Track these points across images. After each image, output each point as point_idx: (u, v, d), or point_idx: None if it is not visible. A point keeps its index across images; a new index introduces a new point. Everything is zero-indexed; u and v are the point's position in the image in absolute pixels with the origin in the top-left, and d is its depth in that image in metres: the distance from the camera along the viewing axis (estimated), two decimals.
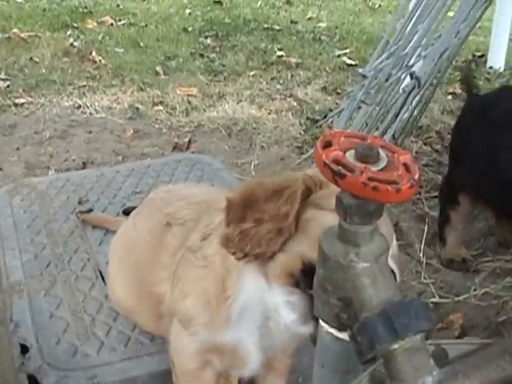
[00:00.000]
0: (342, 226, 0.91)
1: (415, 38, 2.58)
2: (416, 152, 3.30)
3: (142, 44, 4.95)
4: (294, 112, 3.80)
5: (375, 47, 5.22)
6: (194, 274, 1.38)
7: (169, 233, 1.53)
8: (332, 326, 0.98)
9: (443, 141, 3.45)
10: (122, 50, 4.80)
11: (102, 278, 1.90)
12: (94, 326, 1.73)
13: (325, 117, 3.64)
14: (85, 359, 1.62)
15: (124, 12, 5.75)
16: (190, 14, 5.89)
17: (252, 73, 4.47)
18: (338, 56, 5.05)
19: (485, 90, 4.51)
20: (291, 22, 5.93)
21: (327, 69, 4.71)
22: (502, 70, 5.05)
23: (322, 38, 5.53)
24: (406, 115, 2.86)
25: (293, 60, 4.80)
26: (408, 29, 2.60)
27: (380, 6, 7.05)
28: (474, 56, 5.08)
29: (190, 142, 3.31)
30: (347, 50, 5.18)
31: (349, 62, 4.92)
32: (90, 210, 2.27)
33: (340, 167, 0.84)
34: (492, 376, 0.85)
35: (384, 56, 2.57)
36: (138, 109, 3.71)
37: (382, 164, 0.87)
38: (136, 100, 3.86)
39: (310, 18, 6.12)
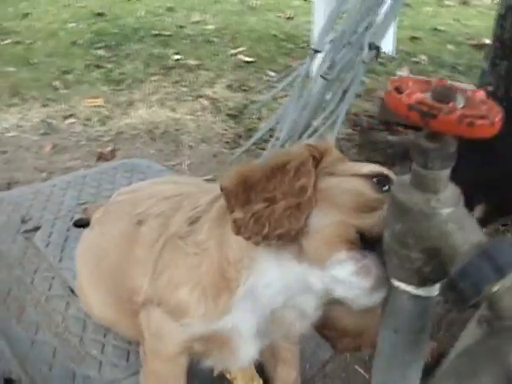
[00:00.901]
0: (420, 173, 0.88)
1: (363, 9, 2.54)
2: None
3: (33, 61, 4.79)
4: (210, 111, 3.75)
5: (267, 43, 5.33)
6: (185, 261, 1.26)
7: (142, 228, 1.41)
8: (410, 284, 0.94)
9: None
10: (14, 68, 4.62)
11: (75, 295, 1.77)
12: (84, 345, 1.59)
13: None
14: (87, 381, 1.48)
15: (6, 31, 5.57)
16: (74, 27, 5.75)
17: (154, 78, 4.39)
18: (234, 55, 5.07)
19: (381, 73, 4.66)
20: (179, 26, 5.87)
21: (227, 68, 4.71)
22: (394, 55, 5.20)
23: (213, 39, 5.53)
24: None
25: (191, 62, 4.75)
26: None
27: (260, 5, 7.11)
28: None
29: (113, 150, 3.17)
30: (241, 49, 5.20)
31: (246, 59, 4.95)
32: (37, 228, 2.10)
33: (428, 108, 0.81)
34: None
35: (335, 32, 2.51)
36: (50, 123, 3.55)
37: (462, 102, 0.84)
38: (45, 115, 3.70)
39: (195, 22, 6.08)
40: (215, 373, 1.46)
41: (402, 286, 0.95)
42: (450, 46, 5.68)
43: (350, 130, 3.43)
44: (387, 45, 5.02)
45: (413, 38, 5.79)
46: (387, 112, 3.57)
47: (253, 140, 3.06)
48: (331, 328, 1.26)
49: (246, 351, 1.30)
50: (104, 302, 1.54)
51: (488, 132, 0.81)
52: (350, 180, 1.10)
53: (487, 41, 5.63)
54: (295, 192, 1.08)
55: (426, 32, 6.15)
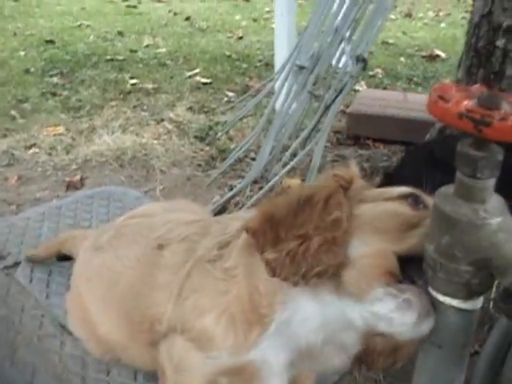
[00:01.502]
0: (467, 183, 0.87)
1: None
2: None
3: None
4: (175, 134, 3.72)
5: (222, 64, 5.32)
6: (212, 286, 1.22)
7: (165, 252, 1.37)
8: (456, 298, 0.92)
9: None
10: None
11: (68, 332, 1.66)
12: None
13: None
14: None
15: None
16: (25, 55, 5.67)
17: (113, 103, 4.34)
18: (190, 77, 5.05)
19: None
20: (131, 51, 5.83)
21: (185, 90, 4.69)
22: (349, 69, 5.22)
23: (167, 62, 5.53)
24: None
25: (148, 86, 4.71)
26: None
27: (208, 26, 7.13)
28: None
29: (82, 178, 3.09)
30: (197, 70, 5.20)
31: (203, 80, 4.95)
32: (17, 264, 2.01)
33: (480, 116, 0.80)
34: None
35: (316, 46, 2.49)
36: (13, 154, 3.45)
37: (509, 108, 0.82)
38: (6, 146, 3.59)
39: (147, 46, 6.06)
40: None
41: (448, 300, 0.93)
42: (402, 59, 5.76)
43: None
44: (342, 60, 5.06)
45: None
46: (355, 127, 3.58)
47: (228, 162, 3.02)
48: (367, 352, 1.22)
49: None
50: (116, 327, 1.47)
51: None
52: (385, 203, 1.09)
53: (438, 51, 5.74)
54: (328, 225, 1.04)
55: (377, 46, 6.21)
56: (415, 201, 1.07)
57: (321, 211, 1.05)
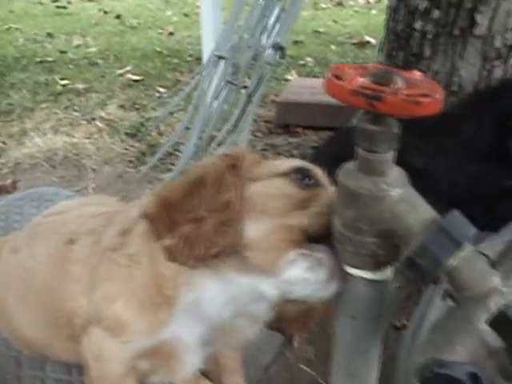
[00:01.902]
0: (366, 158, 0.89)
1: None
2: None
3: None
4: (107, 132, 3.69)
5: (153, 60, 5.31)
6: (118, 273, 1.23)
7: (75, 246, 1.37)
8: (365, 269, 0.95)
9: None
10: None
11: None
12: (22, 382, 1.50)
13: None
14: None
15: None
16: None
17: (44, 105, 4.28)
18: (121, 75, 5.01)
19: (270, 79, 4.71)
20: (61, 52, 5.76)
21: (116, 88, 4.65)
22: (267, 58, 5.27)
23: (98, 61, 5.47)
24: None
25: (79, 86, 4.66)
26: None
27: (139, 23, 7.09)
28: None
29: (14, 182, 3.06)
30: (128, 68, 5.17)
31: (134, 78, 4.92)
32: None
33: (372, 91, 0.82)
34: None
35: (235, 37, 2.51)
36: None
37: (402, 83, 0.86)
38: None
39: (77, 46, 5.99)
40: None
41: (357, 272, 0.96)
42: (332, 47, 5.82)
43: (249, 136, 3.44)
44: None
45: (296, 42, 5.90)
46: (285, 115, 3.62)
47: (157, 156, 3.03)
48: (280, 320, 1.25)
49: (191, 362, 1.27)
50: (35, 325, 1.47)
51: (434, 109, 0.83)
52: (272, 182, 1.10)
53: (368, 38, 5.82)
54: (220, 207, 1.05)
55: (308, 35, 6.27)
56: (302, 176, 1.09)
57: (212, 193, 1.06)
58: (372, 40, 5.85)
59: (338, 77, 0.86)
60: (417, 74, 0.90)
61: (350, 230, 0.92)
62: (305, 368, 1.71)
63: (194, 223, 1.04)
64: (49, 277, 1.40)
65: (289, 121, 3.63)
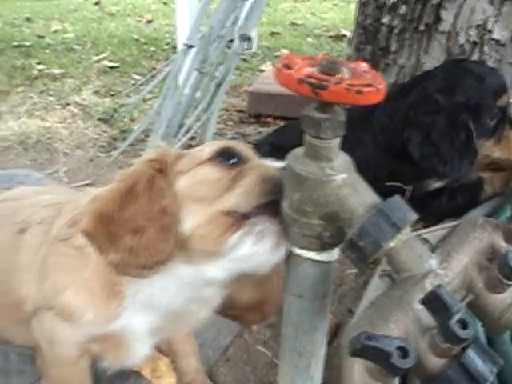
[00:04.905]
0: (314, 143, 0.93)
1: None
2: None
3: None
4: (80, 117, 3.71)
5: (130, 48, 5.31)
6: (67, 264, 1.25)
7: (25, 236, 1.38)
8: (311, 250, 0.98)
9: None
10: None
11: None
12: None
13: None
14: None
15: None
16: None
17: (19, 89, 4.28)
18: (97, 61, 5.02)
19: (245, 69, 4.74)
20: (38, 36, 5.75)
21: (92, 74, 4.66)
22: (256, 51, 5.31)
23: (74, 47, 5.48)
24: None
25: (55, 71, 4.66)
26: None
27: (118, 11, 7.08)
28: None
29: None
30: (104, 55, 5.18)
31: (110, 64, 4.94)
32: None
33: (317, 80, 0.86)
34: (475, 247, 0.94)
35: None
36: None
37: (348, 74, 0.89)
38: None
39: (55, 31, 5.98)
40: (109, 372, 1.41)
41: (304, 253, 0.99)
42: (309, 39, 5.86)
43: (221, 125, 3.48)
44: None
45: (273, 34, 5.94)
46: (256, 105, 3.66)
47: (128, 142, 3.06)
48: (233, 307, 1.28)
49: (140, 349, 1.30)
50: None
51: (375, 98, 0.87)
52: (199, 171, 1.11)
53: (344, 31, 5.86)
54: (158, 215, 1.06)
55: (285, 27, 6.31)
56: (227, 157, 1.11)
57: (146, 201, 1.06)
58: (348, 33, 5.88)
59: (287, 66, 0.90)
60: (362, 66, 0.94)
61: (296, 213, 0.96)
62: (262, 349, 1.75)
63: (134, 234, 1.04)
64: (1, 266, 1.41)
65: (260, 111, 3.67)
